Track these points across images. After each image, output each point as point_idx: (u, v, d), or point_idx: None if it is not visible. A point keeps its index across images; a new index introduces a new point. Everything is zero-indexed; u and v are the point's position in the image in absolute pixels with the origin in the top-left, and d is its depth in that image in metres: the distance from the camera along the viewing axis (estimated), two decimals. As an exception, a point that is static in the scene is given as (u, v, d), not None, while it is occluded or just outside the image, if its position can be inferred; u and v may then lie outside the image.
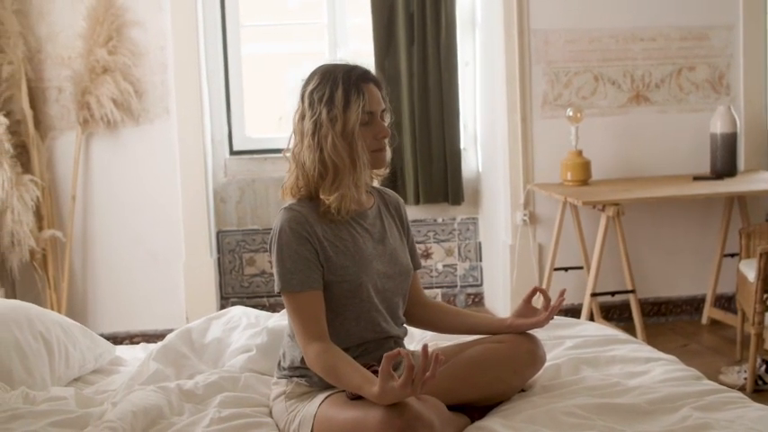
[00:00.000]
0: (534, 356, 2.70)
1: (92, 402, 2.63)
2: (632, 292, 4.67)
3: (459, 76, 5.37)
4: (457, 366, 2.62)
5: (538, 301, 2.78)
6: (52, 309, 4.84)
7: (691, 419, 2.42)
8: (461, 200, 5.45)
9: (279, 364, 2.66)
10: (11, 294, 4.86)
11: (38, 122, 4.87)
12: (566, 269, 5.05)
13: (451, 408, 2.55)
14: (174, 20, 4.94)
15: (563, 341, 3.11)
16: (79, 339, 3.03)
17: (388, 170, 2.76)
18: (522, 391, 2.71)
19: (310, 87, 2.57)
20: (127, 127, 4.96)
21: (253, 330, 3.00)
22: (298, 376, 2.58)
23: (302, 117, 2.57)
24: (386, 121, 2.66)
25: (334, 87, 2.54)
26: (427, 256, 5.55)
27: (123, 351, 3.28)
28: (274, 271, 2.52)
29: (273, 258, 2.52)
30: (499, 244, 5.31)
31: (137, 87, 4.94)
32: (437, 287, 5.59)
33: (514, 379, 2.65)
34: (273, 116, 5.62)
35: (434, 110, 5.33)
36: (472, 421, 2.56)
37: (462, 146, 5.48)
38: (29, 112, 4.73)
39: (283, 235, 2.51)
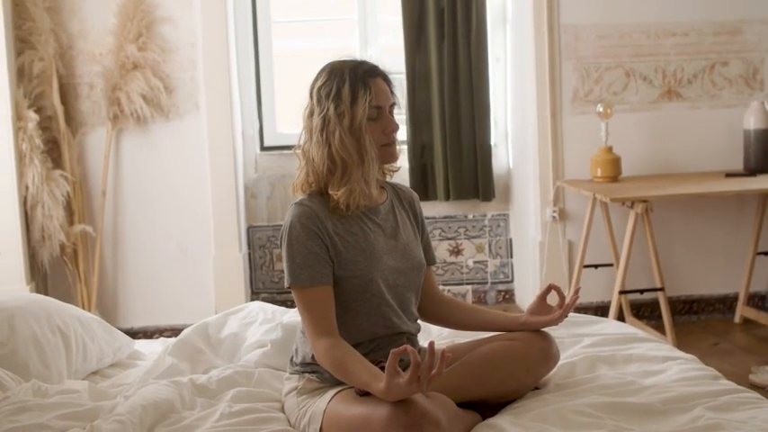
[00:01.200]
0: (547, 354, 2.68)
1: (105, 396, 2.65)
2: (661, 290, 4.62)
3: (489, 72, 5.34)
4: (468, 364, 2.61)
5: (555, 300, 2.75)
6: (82, 303, 4.91)
7: (702, 420, 2.39)
8: (492, 196, 5.43)
9: (291, 359, 2.67)
10: (42, 288, 4.92)
11: (69, 118, 4.92)
12: (595, 266, 5.01)
13: (463, 405, 2.55)
14: (204, 16, 4.96)
15: (581, 339, 3.08)
16: (97, 333, 3.05)
17: (399, 165, 2.74)
18: (536, 389, 2.69)
19: (318, 84, 2.58)
20: (157, 123, 5.00)
21: (269, 326, 3.01)
22: (309, 372, 2.58)
23: (311, 113, 2.58)
24: (395, 115, 2.64)
25: (341, 83, 2.54)
26: (458, 252, 5.54)
27: (142, 345, 3.31)
28: (284, 266, 2.53)
29: (284, 253, 2.53)
30: (529, 240, 5.29)
31: (166, 83, 4.97)
32: (467, 283, 5.57)
33: (527, 377, 2.64)
34: (304, 112, 5.61)
35: (465, 106, 5.31)
36: (484, 419, 2.54)
37: (493, 142, 5.46)
38: (60, 108, 4.78)
39: (293, 230, 2.52)
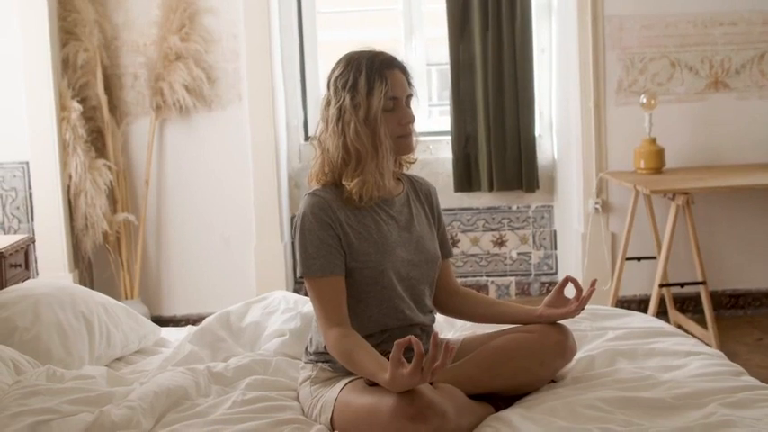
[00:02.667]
0: (563, 347, 2.65)
1: (123, 381, 2.70)
2: (703, 283, 4.55)
3: (534, 62, 5.31)
4: (482, 355, 2.60)
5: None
6: (125, 291, 4.98)
7: (714, 416, 2.34)
8: (536, 187, 5.39)
9: (306, 349, 2.69)
10: (87, 276, 5.00)
11: (113, 108, 4.99)
12: (638, 259, 4.95)
13: (477, 397, 2.54)
14: (247, 7, 4.99)
15: (605, 332, 3.05)
16: (122, 320, 3.10)
17: (416, 156, 2.74)
18: (554, 381, 2.67)
19: (335, 74, 2.59)
20: (199, 113, 5.05)
21: (289, 315, 3.03)
22: (323, 361, 2.60)
23: (328, 104, 2.60)
24: (412, 107, 2.64)
25: (357, 74, 2.55)
26: (501, 243, 5.51)
27: (169, 333, 3.35)
28: (297, 255, 2.54)
29: (296, 243, 2.55)
30: (572, 232, 5.24)
31: (209, 74, 5.02)
32: (511, 275, 5.54)
33: (541, 370, 2.61)
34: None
35: (509, 96, 5.28)
36: (497, 411, 2.53)
37: (538, 133, 5.42)
38: (104, 99, 4.85)
39: (306, 220, 2.53)
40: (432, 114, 5.76)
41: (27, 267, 3.85)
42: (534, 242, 5.53)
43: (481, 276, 5.53)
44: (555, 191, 5.49)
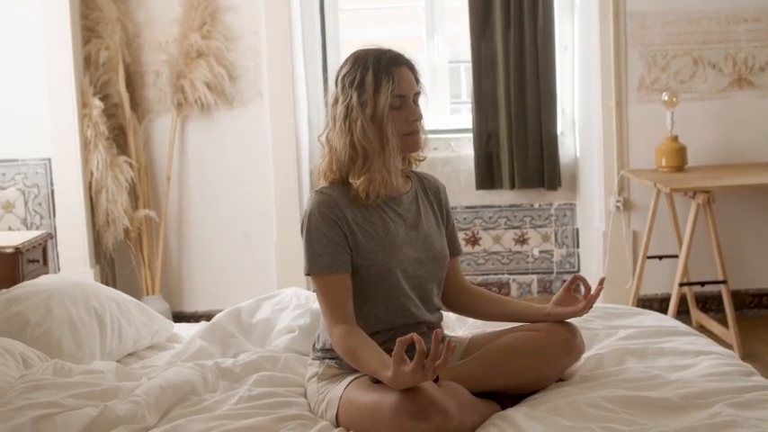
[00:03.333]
0: (570, 346, 2.64)
1: (131, 376, 2.72)
2: (723, 282, 4.51)
3: (556, 59, 5.29)
4: (488, 353, 2.60)
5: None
6: (146, 287, 5.02)
7: (720, 416, 2.32)
8: (558, 185, 5.37)
9: (314, 345, 2.70)
10: (109, 271, 5.05)
11: (135, 105, 5.03)
12: (660, 257, 4.91)
13: (484, 395, 2.53)
14: (268, 5, 5.01)
15: (616, 331, 3.03)
16: (134, 315, 3.12)
17: (425, 154, 2.74)
18: (561, 380, 2.66)
19: (343, 72, 2.60)
20: (221, 110, 5.07)
21: (299, 311, 3.04)
22: (329, 358, 2.60)
23: (335, 102, 2.61)
24: (420, 104, 2.63)
25: (364, 72, 2.55)
26: (523, 241, 5.50)
27: (182, 328, 3.37)
28: (304, 253, 2.56)
29: (303, 241, 2.56)
30: (594, 230, 5.22)
31: (230, 71, 5.04)
32: (533, 273, 5.52)
33: (548, 368, 2.60)
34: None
35: (531, 94, 5.26)
36: (503, 409, 2.53)
37: (560, 131, 5.40)
38: (125, 96, 4.89)
39: (312, 218, 2.55)
40: (454, 112, 5.75)
41: (45, 263, 3.90)
42: (556, 240, 5.51)
43: (503, 274, 5.51)
44: (577, 189, 5.46)
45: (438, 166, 5.39)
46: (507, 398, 2.57)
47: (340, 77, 2.60)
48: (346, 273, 2.53)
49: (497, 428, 2.36)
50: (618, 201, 5.03)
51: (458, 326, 3.16)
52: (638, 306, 4.91)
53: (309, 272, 2.55)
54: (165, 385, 2.51)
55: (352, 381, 2.49)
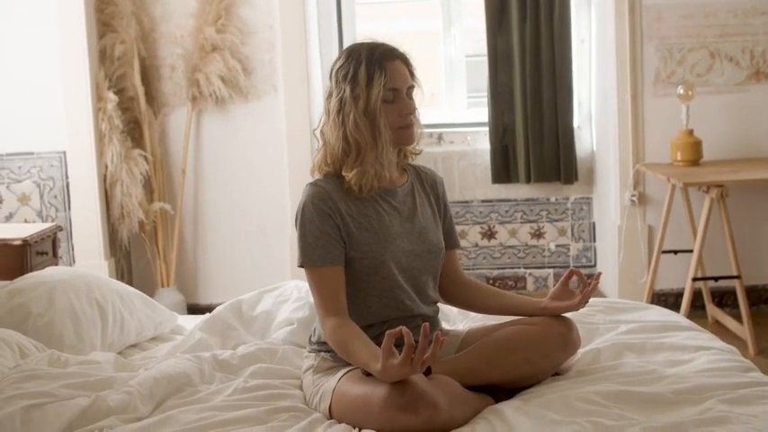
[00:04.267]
0: (566, 340, 2.63)
1: (129, 367, 2.74)
2: (737, 277, 4.48)
3: (572, 53, 5.25)
4: (483, 347, 2.60)
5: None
6: (161, 279, 5.06)
7: (711, 412, 2.31)
8: (574, 179, 5.34)
9: (310, 338, 2.71)
10: (125, 264, 5.10)
11: (151, 99, 5.06)
12: (675, 252, 4.88)
13: (479, 388, 2.54)
14: (282, -1, 5.04)
15: (618, 325, 3.02)
16: (137, 307, 3.15)
17: (420, 147, 2.74)
18: (557, 374, 2.66)
19: (337, 66, 2.62)
20: (235, 103, 5.10)
21: (299, 304, 3.05)
22: (324, 351, 2.62)
23: (329, 95, 2.62)
24: (414, 98, 2.64)
25: (357, 65, 2.56)
26: (539, 235, 5.48)
27: (186, 320, 3.39)
28: (297, 245, 2.57)
29: (297, 233, 2.57)
30: (609, 224, 5.20)
31: (245, 65, 5.07)
32: (549, 267, 5.50)
33: (543, 362, 2.59)
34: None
35: (547, 87, 5.24)
36: (497, 402, 2.53)
37: (577, 124, 5.37)
38: (140, 89, 4.93)
39: (306, 210, 2.56)
40: (471, 105, 5.74)
41: (55, 255, 3.94)
42: (573, 234, 5.48)
43: (519, 268, 5.50)
44: (594, 183, 5.43)
45: (454, 159, 5.39)
46: (502, 392, 2.56)
47: (334, 71, 2.62)
48: (339, 265, 2.54)
49: (487, 422, 2.36)
50: (633, 195, 5.00)
51: (459, 319, 3.17)
52: (653, 301, 4.91)
53: (303, 264, 2.56)
54: (160, 376, 2.53)
55: (345, 373, 2.51)
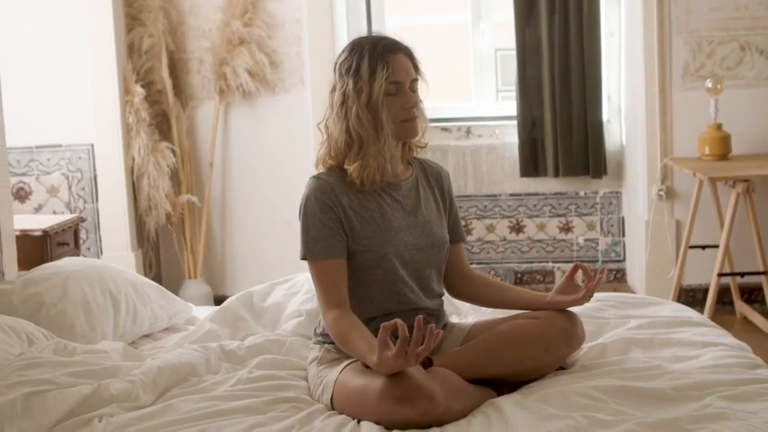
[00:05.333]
0: (569, 335, 2.62)
1: (137, 357, 2.78)
2: (764, 273, 4.42)
3: (601, 46, 5.22)
4: (486, 340, 2.60)
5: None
6: (188, 270, 5.11)
7: (709, 408, 2.30)
8: (603, 173, 5.31)
9: (315, 329, 2.73)
10: (153, 255, 5.16)
11: (179, 92, 5.11)
12: (702, 247, 4.83)
13: (482, 382, 2.54)
14: (309, -8, 5.07)
15: (628, 320, 3.00)
16: (151, 298, 3.19)
17: (426, 140, 2.74)
18: (562, 369, 2.65)
19: (340, 59, 2.63)
20: (263, 96, 5.13)
21: (308, 296, 3.07)
22: (329, 343, 2.63)
23: (333, 89, 2.63)
24: (417, 91, 2.64)
25: (360, 59, 2.57)
26: (568, 229, 5.45)
27: (200, 311, 3.42)
28: (300, 238, 2.59)
29: (300, 226, 2.59)
30: (637, 219, 5.16)
31: (272, 58, 5.10)
32: (578, 261, 5.45)
33: (546, 356, 2.58)
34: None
35: (576, 81, 5.21)
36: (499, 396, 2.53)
37: (606, 118, 5.34)
38: (168, 83, 4.98)
39: (309, 203, 2.59)
40: (500, 99, 5.73)
41: (77, 246, 4.00)
42: (602, 229, 5.45)
43: (547, 262, 5.48)
44: (623, 177, 5.39)
45: (482, 153, 5.38)
46: (505, 385, 2.57)
47: (337, 64, 2.63)
48: (341, 258, 2.56)
49: (484, 415, 2.36)
50: (660, 189, 4.96)
51: (470, 313, 3.17)
52: (680, 296, 4.88)
53: (305, 256, 2.58)
54: (164, 366, 2.57)
55: (346, 365, 2.52)
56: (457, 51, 5.50)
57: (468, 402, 2.43)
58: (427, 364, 2.50)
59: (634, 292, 5.12)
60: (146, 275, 4.92)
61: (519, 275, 5.42)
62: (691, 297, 4.99)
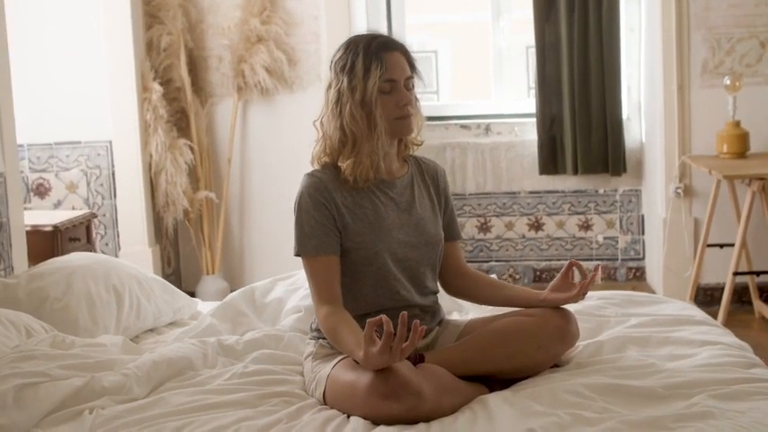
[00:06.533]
0: (563, 333, 2.62)
1: (136, 351, 2.81)
2: (781, 272, 4.39)
3: (621, 43, 5.19)
4: (479, 337, 2.61)
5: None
6: (206, 266, 5.15)
7: (696, 407, 2.29)
8: (622, 171, 5.28)
9: (311, 325, 2.75)
10: (172, 251, 5.20)
11: (199, 89, 5.16)
12: (720, 246, 4.79)
13: (476, 379, 2.55)
14: (327, -10, 5.09)
15: (629, 319, 2.99)
16: (156, 293, 3.23)
17: (422, 138, 2.75)
18: (557, 366, 2.65)
19: (336, 57, 2.65)
20: (281, 94, 5.16)
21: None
22: (323, 338, 2.65)
23: (329, 86, 2.65)
24: (413, 89, 2.65)
25: (354, 57, 2.59)
26: (587, 227, 5.43)
27: (206, 306, 3.45)
28: (294, 234, 2.61)
29: (294, 222, 2.62)
30: (656, 217, 5.13)
31: (290, 56, 5.12)
32: (597, 259, 5.45)
33: (539, 354, 2.58)
34: (426, 84, 5.66)
35: (595, 78, 5.19)
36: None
37: (626, 115, 5.31)
38: (187, 80, 5.02)
39: (302, 200, 2.62)
40: (520, 96, 5.72)
41: (89, 241, 4.05)
42: (621, 227, 5.42)
43: (566, 260, 5.43)
44: (643, 175, 5.36)
45: (502, 150, 5.38)
46: (498, 382, 2.57)
47: (333, 63, 2.66)
48: (334, 255, 2.58)
49: (471, 411, 2.36)
50: (678, 187, 4.92)
51: (473, 310, 3.17)
52: (697, 295, 4.85)
53: (298, 253, 2.61)
54: (159, 359, 2.59)
55: (339, 361, 2.54)
56: (477, 49, 5.51)
57: (458, 399, 2.43)
58: (419, 360, 2.51)
59: (653, 291, 5.10)
60: (164, 271, 4.99)
61: (538, 273, 5.42)
62: (709, 296, 4.95)
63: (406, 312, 2.26)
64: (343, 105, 2.58)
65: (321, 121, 2.68)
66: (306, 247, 2.58)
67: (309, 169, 5.07)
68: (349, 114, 2.57)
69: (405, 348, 2.24)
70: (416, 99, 2.68)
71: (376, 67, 2.56)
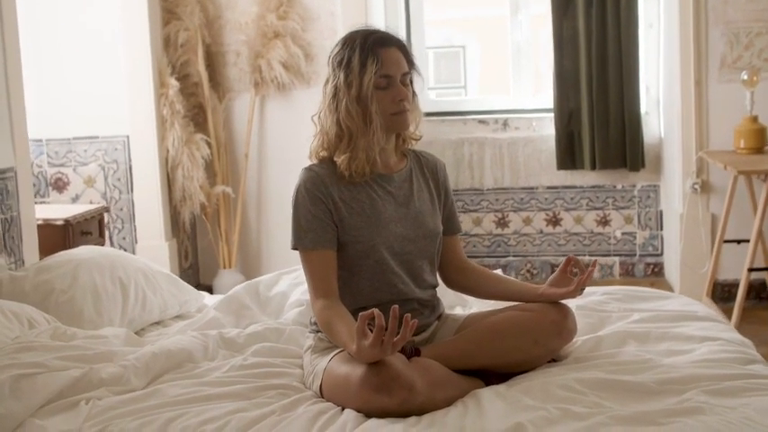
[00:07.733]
0: (560, 327, 2.62)
1: (138, 343, 2.84)
2: (796, 268, 4.35)
3: (639, 37, 5.18)
4: (476, 331, 2.61)
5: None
6: (223, 261, 5.19)
7: (687, 403, 2.28)
8: (640, 166, 5.26)
9: (310, 319, 2.77)
10: (189, 245, 5.25)
11: (216, 84, 5.19)
12: (737, 242, 4.76)
13: (472, 373, 2.55)
14: (344, -15, 5.10)
15: (631, 314, 2.99)
16: (162, 286, 3.26)
17: (420, 133, 2.76)
18: (554, 361, 2.66)
19: (333, 53, 2.67)
20: (298, 89, 5.18)
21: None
22: (321, 332, 2.67)
23: (327, 82, 2.67)
24: (410, 84, 2.66)
25: (351, 52, 2.61)
26: (605, 223, 5.42)
27: (212, 300, 3.48)
28: (291, 228, 2.63)
29: (291, 216, 2.64)
30: (673, 212, 5.10)
31: (307, 51, 5.14)
32: (615, 255, 5.44)
33: (535, 349, 2.59)
34: (454, 79, 5.67)
35: (613, 73, 5.17)
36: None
37: (644, 110, 5.29)
38: (204, 75, 5.05)
39: (299, 195, 2.64)
40: (537, 91, 5.71)
41: (101, 235, 4.09)
42: (639, 222, 5.40)
43: (584, 256, 5.44)
44: (661, 170, 5.33)
45: (519, 145, 5.38)
46: (495, 376, 2.58)
47: (330, 58, 2.68)
48: (331, 249, 2.60)
49: (463, 405, 2.37)
50: (695, 183, 4.89)
51: (476, 304, 3.17)
52: (714, 291, 4.82)
53: (295, 246, 2.62)
54: (159, 352, 2.62)
55: (336, 354, 2.55)
56: (495, 43, 5.50)
57: (452, 392, 2.44)
58: (414, 353, 2.53)
59: (671, 287, 5.08)
60: (181, 265, 5.03)
61: (555, 269, 5.38)
62: (726, 292, 4.92)
63: (397, 306, 2.26)
64: (340, 101, 2.60)
65: (319, 116, 2.70)
66: (303, 241, 2.60)
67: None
68: (345, 109, 2.59)
69: (396, 342, 2.24)
70: (414, 94, 2.69)
71: (372, 63, 2.58)
